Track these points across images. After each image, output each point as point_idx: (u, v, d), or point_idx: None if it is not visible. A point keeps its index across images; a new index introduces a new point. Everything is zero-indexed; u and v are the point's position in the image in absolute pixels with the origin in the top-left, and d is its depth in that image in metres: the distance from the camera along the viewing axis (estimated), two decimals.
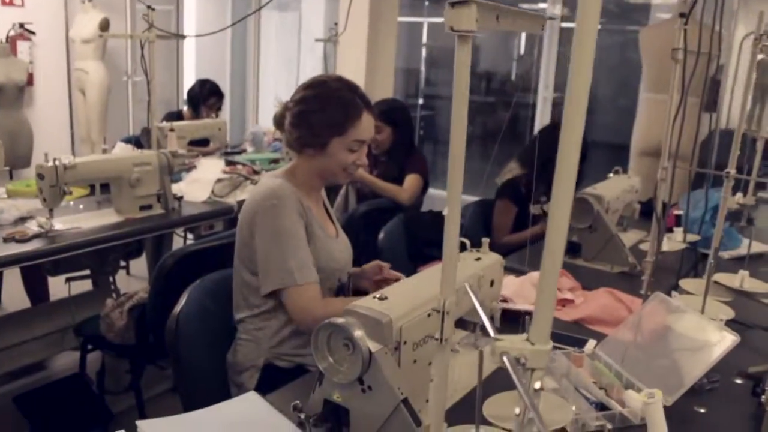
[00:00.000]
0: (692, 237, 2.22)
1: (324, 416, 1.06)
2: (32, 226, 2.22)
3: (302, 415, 1.05)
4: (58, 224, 2.26)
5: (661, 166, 1.81)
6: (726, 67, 3.63)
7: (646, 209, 2.60)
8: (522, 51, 6.11)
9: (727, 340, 1.30)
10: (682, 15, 1.68)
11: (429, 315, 1.10)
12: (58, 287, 2.83)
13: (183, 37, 4.31)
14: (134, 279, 3.97)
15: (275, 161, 3.57)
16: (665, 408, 1.09)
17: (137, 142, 3.44)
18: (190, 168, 3.10)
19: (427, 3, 6.34)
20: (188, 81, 5.55)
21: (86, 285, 2.90)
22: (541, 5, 5.44)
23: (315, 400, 1.07)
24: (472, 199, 2.94)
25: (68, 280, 2.68)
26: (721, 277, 1.92)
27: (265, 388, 1.36)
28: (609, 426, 0.94)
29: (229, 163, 3.26)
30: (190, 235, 3.92)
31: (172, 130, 3.28)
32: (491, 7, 0.72)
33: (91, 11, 4.86)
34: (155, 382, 2.62)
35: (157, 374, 2.59)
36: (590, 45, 0.57)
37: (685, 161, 1.83)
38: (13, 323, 2.61)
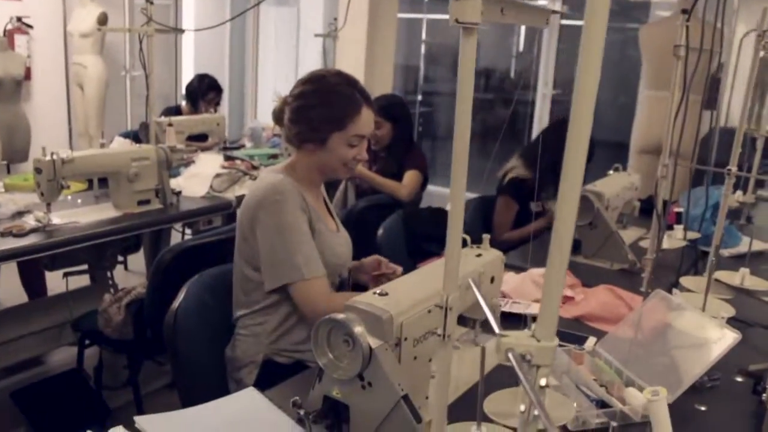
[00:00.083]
0: (692, 234, 2.21)
1: (324, 412, 1.05)
2: (30, 221, 2.21)
3: (302, 412, 1.04)
4: (56, 219, 2.24)
5: (661, 163, 1.80)
6: (726, 65, 3.63)
7: (646, 207, 2.60)
8: (521, 48, 6.10)
9: (728, 338, 1.30)
10: (684, 11, 1.67)
11: (429, 311, 1.09)
12: (55, 282, 2.82)
13: (182, 31, 4.30)
14: (132, 274, 3.96)
15: (274, 156, 3.56)
16: None
17: (135, 136, 3.42)
18: (188, 163, 3.09)
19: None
20: (187, 76, 5.53)
21: (84, 280, 2.89)
22: (541, 1, 5.42)
23: (315, 397, 1.06)
24: (472, 195, 2.94)
25: (66, 275, 2.67)
26: (721, 274, 1.91)
27: (264, 384, 1.35)
28: (614, 424, 0.93)
29: (227, 158, 3.25)
30: (188, 231, 3.92)
31: (170, 125, 3.27)
32: (496, 0, 0.71)
33: (89, 5, 4.84)
34: (153, 378, 2.62)
35: (155, 370, 2.59)
36: (599, 43, 0.56)
37: (685, 159, 1.83)
38: (10, 318, 2.60)
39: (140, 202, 2.51)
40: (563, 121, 2.91)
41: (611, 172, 2.54)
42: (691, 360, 1.29)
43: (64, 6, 5.08)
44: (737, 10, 3.45)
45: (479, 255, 1.36)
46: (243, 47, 6.50)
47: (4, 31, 4.71)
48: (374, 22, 4.19)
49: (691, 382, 1.23)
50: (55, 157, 2.18)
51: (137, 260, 3.75)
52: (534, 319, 0.75)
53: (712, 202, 2.22)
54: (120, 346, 2.28)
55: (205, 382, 1.59)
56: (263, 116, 6.04)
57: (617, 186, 2.36)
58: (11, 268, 2.90)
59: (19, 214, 2.29)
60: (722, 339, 1.30)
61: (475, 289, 0.84)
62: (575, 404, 1.17)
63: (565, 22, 4.99)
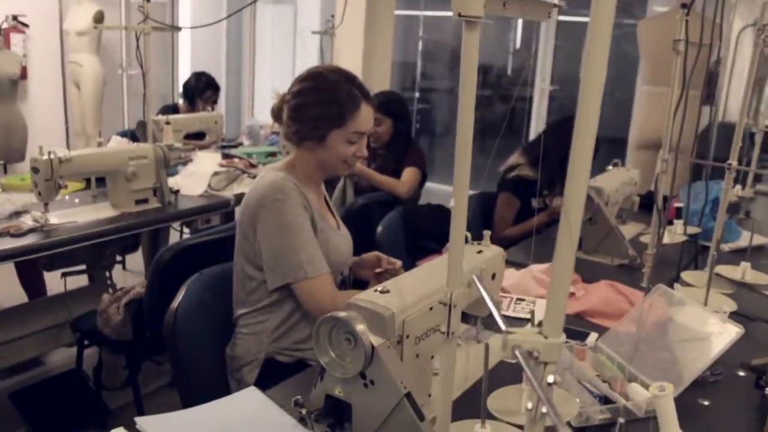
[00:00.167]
0: (692, 229, 2.21)
1: (326, 411, 1.05)
2: (27, 221, 2.20)
3: (303, 411, 1.03)
4: (54, 218, 2.23)
5: (662, 158, 1.80)
6: (723, 60, 3.63)
7: (645, 202, 2.59)
8: (518, 44, 6.09)
9: (731, 332, 1.29)
10: (683, 6, 1.67)
11: (431, 308, 1.08)
12: (53, 282, 2.81)
13: (178, 29, 4.28)
14: (130, 274, 3.95)
15: (272, 154, 3.55)
16: None
17: (133, 135, 3.41)
18: (186, 161, 3.08)
19: None
20: (184, 74, 5.52)
21: (82, 280, 2.87)
22: None
23: (316, 395, 1.06)
24: (471, 192, 2.93)
25: (64, 275, 2.65)
26: (721, 269, 1.91)
27: (265, 383, 1.34)
28: (622, 420, 0.93)
29: (225, 156, 3.24)
30: (186, 230, 3.90)
31: (168, 123, 3.25)
32: None
33: (86, 3, 4.82)
34: (153, 378, 2.61)
35: (155, 370, 2.58)
36: (605, 37, 0.56)
37: (684, 153, 1.83)
38: (8, 319, 2.59)
39: (138, 201, 2.50)
40: (568, 118, 2.91)
41: (610, 167, 2.53)
42: (694, 355, 1.29)
43: (60, 4, 5.05)
44: (735, 5, 3.45)
45: (480, 252, 1.35)
46: (240, 45, 6.48)
47: (0, 29, 4.69)
48: (371, 19, 4.18)
49: (694, 377, 1.23)
50: (52, 156, 2.17)
51: (136, 260, 3.73)
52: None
53: (712, 196, 2.22)
54: (119, 346, 2.27)
55: (206, 382, 1.58)
56: (260, 114, 6.03)
57: (617, 181, 2.36)
58: (9, 268, 2.89)
59: (17, 214, 2.28)
60: (724, 333, 1.30)
61: (479, 286, 0.84)
62: (578, 400, 1.16)
63: (562, 17, 4.98)
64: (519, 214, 2.73)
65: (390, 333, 1.00)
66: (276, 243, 1.49)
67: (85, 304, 2.56)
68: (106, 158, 2.45)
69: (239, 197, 2.77)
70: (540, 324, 0.64)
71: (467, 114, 0.73)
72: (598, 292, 1.76)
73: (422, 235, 2.50)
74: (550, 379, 0.61)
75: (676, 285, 1.74)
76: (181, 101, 4.16)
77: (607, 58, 0.56)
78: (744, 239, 2.24)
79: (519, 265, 1.90)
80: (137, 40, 2.73)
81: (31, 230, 2.14)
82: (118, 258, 3.50)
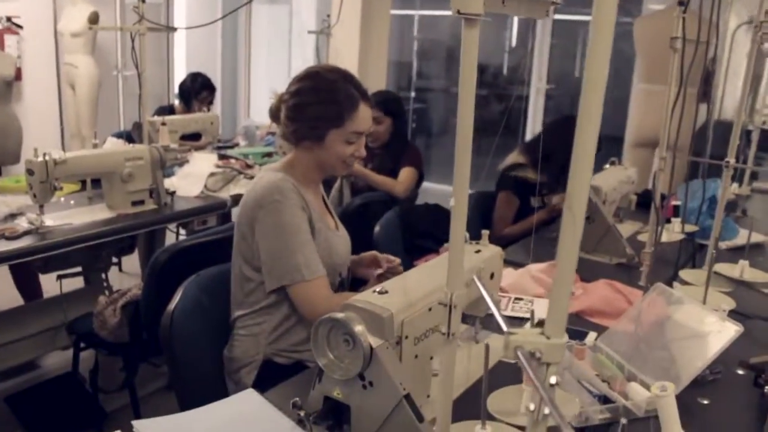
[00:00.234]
0: (690, 227, 2.21)
1: (324, 413, 1.04)
2: (22, 223, 2.18)
3: (302, 413, 1.03)
4: (49, 220, 2.22)
5: (659, 156, 1.79)
6: (719, 58, 3.63)
7: (642, 200, 2.59)
8: (514, 43, 6.09)
9: (730, 330, 1.29)
10: (680, 3, 1.67)
11: (430, 309, 1.08)
12: (49, 285, 2.80)
13: (174, 29, 4.26)
14: (127, 276, 3.93)
15: (268, 155, 3.54)
16: None
17: (128, 136, 3.40)
18: (182, 162, 3.07)
19: None
20: (179, 75, 5.50)
21: (78, 282, 2.86)
22: None
23: (315, 397, 1.05)
24: (469, 191, 2.92)
25: (59, 277, 2.64)
26: (720, 267, 1.91)
27: (263, 384, 1.33)
28: (624, 421, 0.92)
29: (221, 157, 3.23)
30: (182, 231, 3.89)
31: (163, 124, 3.25)
32: None
33: (80, 4, 4.80)
34: (150, 380, 2.60)
35: (152, 372, 2.56)
36: (607, 36, 0.55)
37: (681, 151, 1.82)
38: (3, 322, 2.57)
39: (134, 203, 2.49)
40: (568, 117, 2.90)
41: (607, 166, 2.53)
42: (693, 353, 1.28)
43: (54, 5, 5.03)
44: (731, 3, 3.45)
45: (478, 251, 1.35)
46: (235, 45, 6.47)
47: None
48: (367, 18, 4.17)
49: (693, 376, 1.22)
50: (47, 158, 2.16)
51: (132, 261, 3.72)
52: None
53: (709, 194, 2.21)
54: (116, 349, 2.26)
55: (203, 384, 1.57)
56: (256, 114, 6.02)
57: (614, 180, 2.35)
58: (4, 271, 2.88)
59: (12, 216, 2.26)
60: (723, 332, 1.29)
61: (480, 286, 0.83)
62: (578, 400, 1.16)
63: (557, 16, 4.98)
64: (518, 213, 2.73)
65: (389, 334, 0.99)
66: (273, 244, 1.48)
67: (81, 306, 2.54)
68: (101, 160, 2.44)
69: (236, 198, 2.76)
70: (540, 323, 0.64)
71: (467, 113, 0.73)
72: (597, 291, 1.76)
73: (420, 234, 2.49)
74: (553, 380, 0.61)
75: (674, 283, 1.74)
76: (176, 102, 4.14)
77: (609, 57, 0.55)
78: (741, 237, 2.24)
79: (517, 265, 1.89)
80: (132, 40, 2.72)
81: (27, 232, 2.12)
82: (114, 260, 3.48)
